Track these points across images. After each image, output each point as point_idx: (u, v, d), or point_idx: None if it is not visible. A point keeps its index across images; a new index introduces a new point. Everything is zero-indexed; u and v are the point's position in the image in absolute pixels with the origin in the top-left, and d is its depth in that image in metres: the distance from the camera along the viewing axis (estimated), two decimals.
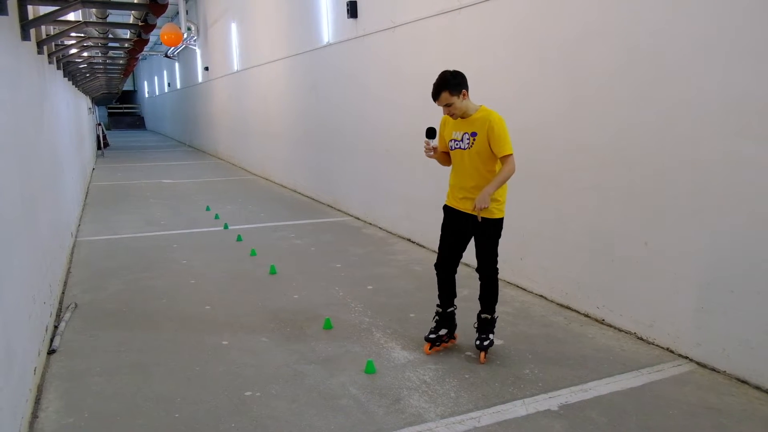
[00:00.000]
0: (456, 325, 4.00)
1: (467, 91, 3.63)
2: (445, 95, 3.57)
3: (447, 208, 3.88)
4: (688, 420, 3.10)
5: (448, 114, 3.68)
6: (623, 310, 4.27)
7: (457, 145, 3.73)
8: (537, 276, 5.10)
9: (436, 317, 3.96)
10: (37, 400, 3.35)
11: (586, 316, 4.57)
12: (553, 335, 4.24)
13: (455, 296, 3.97)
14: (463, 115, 3.68)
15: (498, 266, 3.83)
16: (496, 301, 3.88)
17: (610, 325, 4.36)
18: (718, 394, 3.36)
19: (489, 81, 5.35)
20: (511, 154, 3.58)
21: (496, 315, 3.90)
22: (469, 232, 3.80)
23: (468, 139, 3.65)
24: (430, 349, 3.93)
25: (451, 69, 3.66)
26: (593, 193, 4.45)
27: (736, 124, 3.43)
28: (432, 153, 3.80)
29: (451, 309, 3.96)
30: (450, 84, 3.55)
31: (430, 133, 3.75)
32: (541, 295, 5.04)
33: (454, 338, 4.03)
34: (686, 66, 3.69)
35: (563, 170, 4.72)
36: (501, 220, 3.75)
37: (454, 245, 3.86)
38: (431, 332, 3.95)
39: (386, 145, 7.55)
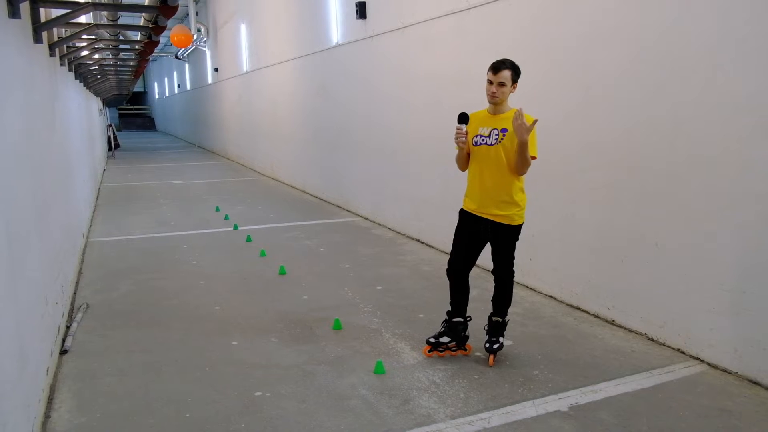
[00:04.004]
0: (467, 337, 3.92)
1: (515, 88, 3.64)
2: (507, 73, 3.55)
3: (464, 213, 3.82)
4: (699, 421, 3.08)
5: (491, 93, 3.58)
6: (634, 310, 4.25)
7: (482, 140, 3.66)
8: (547, 276, 5.09)
9: (444, 323, 3.94)
10: (50, 400, 3.38)
11: (596, 316, 4.55)
12: (563, 336, 4.23)
13: (466, 304, 3.90)
14: (498, 107, 3.64)
15: (514, 269, 3.82)
16: (509, 304, 3.86)
17: (621, 326, 4.34)
18: (730, 396, 3.34)
19: None
20: (535, 158, 3.56)
21: (507, 318, 3.89)
22: (486, 238, 3.77)
23: (497, 134, 3.60)
24: (429, 351, 3.91)
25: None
26: (603, 193, 4.43)
27: (747, 123, 3.41)
28: (464, 139, 3.66)
29: (458, 319, 3.88)
30: (516, 69, 3.59)
31: (463, 118, 3.65)
32: (551, 296, 5.02)
33: (465, 350, 3.93)
34: (696, 65, 3.66)
35: (573, 170, 4.70)
36: (520, 226, 3.73)
37: (468, 250, 3.80)
38: (433, 335, 3.94)
39: (395, 145, 7.55)
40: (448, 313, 3.92)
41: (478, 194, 3.72)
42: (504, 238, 3.72)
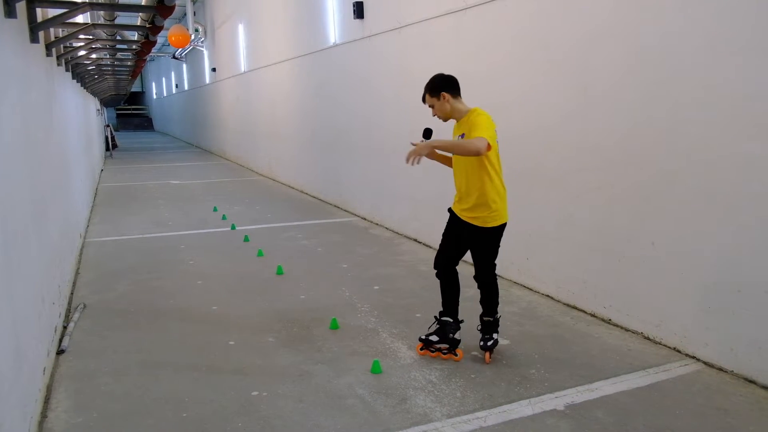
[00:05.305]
0: (458, 341, 3.88)
1: (449, 94, 3.67)
2: (426, 96, 3.75)
3: (451, 212, 3.91)
4: (695, 420, 3.09)
5: (434, 115, 3.81)
6: (630, 309, 4.26)
7: None
8: (544, 276, 5.09)
9: (435, 322, 3.95)
10: (47, 400, 3.38)
11: (593, 315, 4.56)
12: (560, 335, 4.24)
13: (456, 303, 3.92)
14: (453, 118, 3.77)
15: (496, 272, 3.83)
16: (497, 303, 3.88)
17: (617, 325, 4.35)
18: (725, 394, 3.35)
19: (496, 81, 5.35)
20: (482, 138, 3.37)
21: (498, 315, 3.90)
22: (467, 240, 3.80)
23: (459, 140, 3.65)
24: (421, 349, 3.92)
25: (446, 73, 3.76)
26: (601, 193, 4.44)
27: (745, 124, 3.41)
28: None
29: (447, 319, 3.88)
30: (430, 87, 3.72)
31: (427, 133, 3.80)
32: (548, 295, 5.03)
33: (456, 355, 3.86)
34: (695, 66, 3.67)
35: (571, 170, 4.71)
36: (496, 228, 3.70)
37: (452, 248, 3.87)
38: (425, 333, 3.96)
39: (393, 145, 7.55)
40: (439, 312, 3.95)
41: (457, 197, 3.84)
42: (479, 240, 3.74)
